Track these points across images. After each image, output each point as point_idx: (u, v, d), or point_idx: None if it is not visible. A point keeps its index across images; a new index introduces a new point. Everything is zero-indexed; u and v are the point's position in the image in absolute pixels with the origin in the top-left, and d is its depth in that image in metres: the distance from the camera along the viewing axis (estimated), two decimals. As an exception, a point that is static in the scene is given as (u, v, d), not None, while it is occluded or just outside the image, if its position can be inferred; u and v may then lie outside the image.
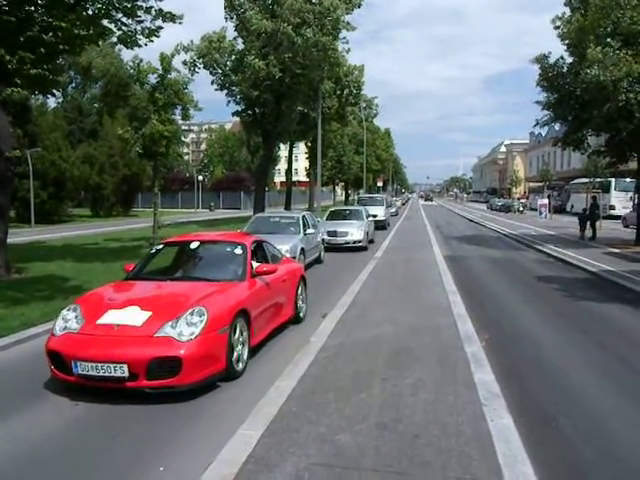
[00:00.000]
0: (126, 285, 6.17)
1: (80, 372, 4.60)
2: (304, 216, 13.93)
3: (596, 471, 3.62)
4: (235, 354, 5.19)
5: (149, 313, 4.93)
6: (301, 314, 7.59)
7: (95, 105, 49.03)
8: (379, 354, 5.72)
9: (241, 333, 5.36)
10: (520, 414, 4.26)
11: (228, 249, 6.63)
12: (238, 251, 6.41)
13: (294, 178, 45.73)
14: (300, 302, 7.58)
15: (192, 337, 4.72)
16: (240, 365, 5.30)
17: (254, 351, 5.90)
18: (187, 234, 8.29)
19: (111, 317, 4.95)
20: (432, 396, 4.53)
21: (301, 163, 72.05)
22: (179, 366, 4.56)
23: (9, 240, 11.31)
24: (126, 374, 4.50)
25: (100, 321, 4.94)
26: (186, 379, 4.61)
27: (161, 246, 7.02)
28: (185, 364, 4.57)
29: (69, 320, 5.08)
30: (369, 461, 3.45)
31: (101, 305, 5.28)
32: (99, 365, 4.53)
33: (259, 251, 6.99)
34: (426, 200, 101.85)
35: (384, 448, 3.62)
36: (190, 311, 4.91)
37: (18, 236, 18.27)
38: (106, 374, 4.53)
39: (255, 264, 6.38)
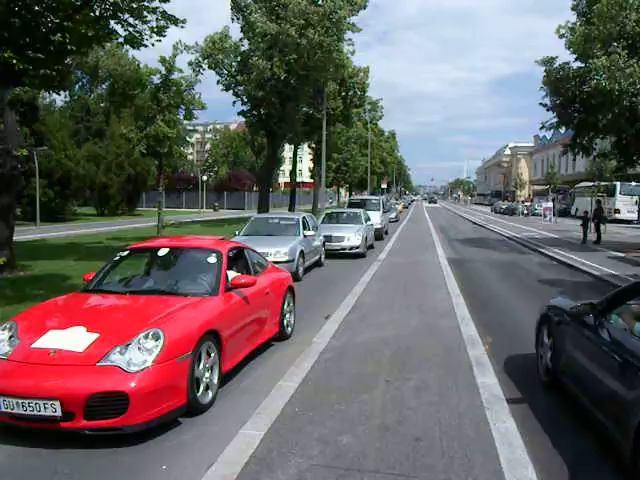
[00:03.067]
0: (78, 299, 5.27)
1: (3, 409, 3.79)
2: (304, 217, 13.38)
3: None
4: (200, 385, 4.40)
5: (95, 335, 4.14)
6: (288, 330, 6.74)
7: (102, 104, 49.21)
8: (382, 356, 5.72)
9: (209, 359, 4.57)
10: (523, 418, 4.26)
11: (200, 257, 5.76)
12: (212, 260, 5.54)
13: (298, 179, 45.89)
14: (287, 317, 6.72)
15: (144, 367, 3.92)
16: (207, 397, 4.49)
17: (250, 358, 5.90)
18: (157, 238, 7.51)
19: (50, 340, 4.13)
20: (435, 399, 4.53)
21: (305, 164, 72.11)
22: (126, 403, 3.76)
23: (15, 238, 11.39)
24: (58, 413, 3.70)
25: (35, 345, 4.11)
26: (134, 419, 3.80)
27: (126, 252, 6.02)
28: (133, 401, 3.77)
29: (1, 341, 4.27)
30: (371, 463, 3.46)
31: (42, 324, 4.44)
32: (25, 401, 3.72)
33: (239, 259, 6.26)
34: (430, 202, 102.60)
35: (386, 450, 3.63)
36: (144, 334, 4.10)
37: (24, 234, 18.36)
38: (34, 412, 3.71)
39: (233, 274, 5.67)
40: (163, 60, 17.85)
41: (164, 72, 18.10)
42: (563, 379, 4.72)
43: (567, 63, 18.62)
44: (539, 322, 5.48)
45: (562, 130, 24.79)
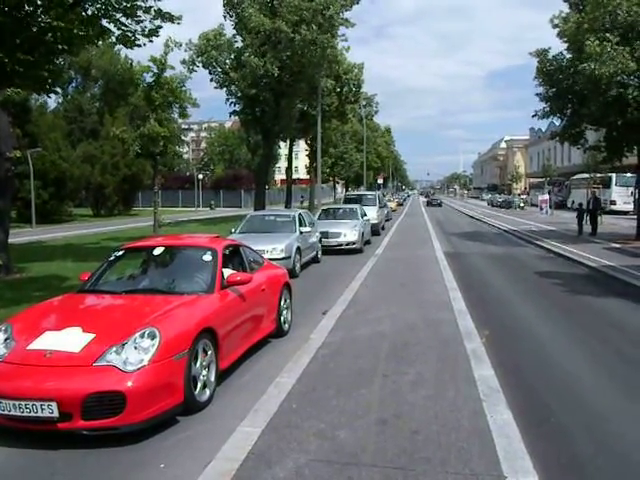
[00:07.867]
0: (74, 299, 5.27)
1: (0, 412, 3.78)
2: (300, 214, 13.38)
3: (595, 466, 3.62)
4: (197, 383, 4.39)
5: (91, 336, 4.12)
6: (285, 326, 6.75)
7: (95, 104, 49.01)
8: (379, 350, 5.73)
9: (205, 357, 4.56)
10: (520, 410, 4.27)
11: (195, 255, 5.78)
12: (207, 258, 5.55)
13: (294, 176, 45.73)
14: (284, 313, 6.73)
15: (140, 366, 3.91)
16: (204, 395, 4.48)
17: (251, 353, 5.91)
18: (152, 237, 7.55)
19: (46, 341, 4.12)
20: (432, 392, 4.54)
21: (301, 161, 71.99)
22: (123, 402, 3.76)
23: (11, 240, 11.37)
24: (56, 414, 3.68)
25: (31, 346, 4.10)
26: (131, 418, 3.80)
27: (121, 252, 6.03)
28: (130, 400, 3.77)
29: None
30: (369, 457, 3.47)
31: (38, 325, 4.44)
32: (22, 403, 3.69)
33: (235, 257, 6.24)
34: (426, 197, 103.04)
35: (384, 444, 3.63)
36: (140, 333, 4.10)
37: (20, 236, 18.33)
38: (31, 414, 3.69)
39: (228, 272, 5.64)
40: (154, 60, 17.84)
41: (156, 71, 18.06)
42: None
43: (561, 53, 18.68)
44: None
45: (557, 122, 24.81)
